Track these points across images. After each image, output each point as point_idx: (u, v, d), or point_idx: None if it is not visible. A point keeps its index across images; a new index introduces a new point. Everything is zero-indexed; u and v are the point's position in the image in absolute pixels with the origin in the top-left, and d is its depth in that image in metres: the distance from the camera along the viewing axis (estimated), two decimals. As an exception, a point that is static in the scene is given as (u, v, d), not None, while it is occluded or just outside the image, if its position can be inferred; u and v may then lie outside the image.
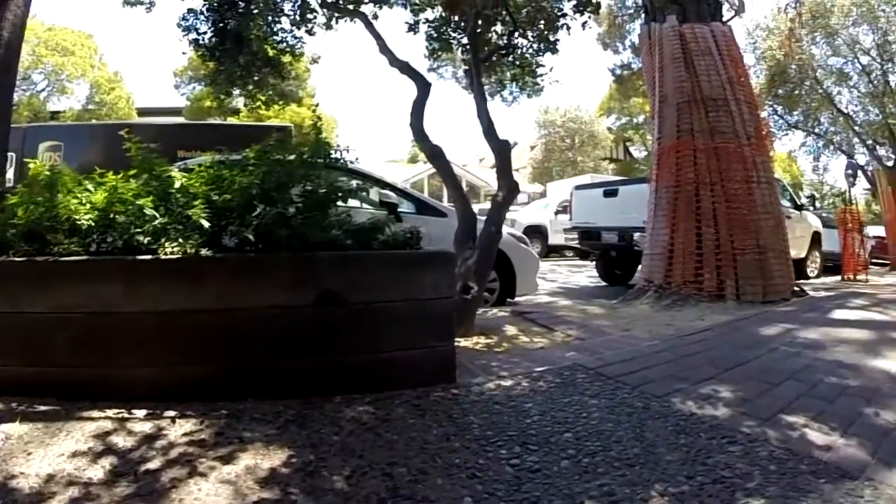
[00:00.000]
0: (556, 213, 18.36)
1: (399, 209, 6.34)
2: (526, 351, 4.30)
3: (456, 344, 4.30)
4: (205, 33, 8.63)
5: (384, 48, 6.33)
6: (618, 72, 27.97)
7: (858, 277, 14.11)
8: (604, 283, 11.51)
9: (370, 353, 3.06)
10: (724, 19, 8.41)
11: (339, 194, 3.36)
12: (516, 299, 7.15)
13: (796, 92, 24.28)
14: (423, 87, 5.86)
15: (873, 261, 21.45)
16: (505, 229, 7.43)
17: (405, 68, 6.04)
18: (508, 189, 5.26)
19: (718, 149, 7.29)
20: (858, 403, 3.09)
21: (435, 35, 9.19)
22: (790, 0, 21.46)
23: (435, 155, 5.57)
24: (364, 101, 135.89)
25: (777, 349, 4.40)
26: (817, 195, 34.35)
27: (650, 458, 2.35)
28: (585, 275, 12.66)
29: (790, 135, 28.26)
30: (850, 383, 3.48)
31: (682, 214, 7.14)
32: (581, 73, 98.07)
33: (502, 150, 5.51)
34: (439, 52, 9.79)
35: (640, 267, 8.14)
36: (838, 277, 14.32)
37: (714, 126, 7.38)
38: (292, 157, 3.36)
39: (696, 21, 7.83)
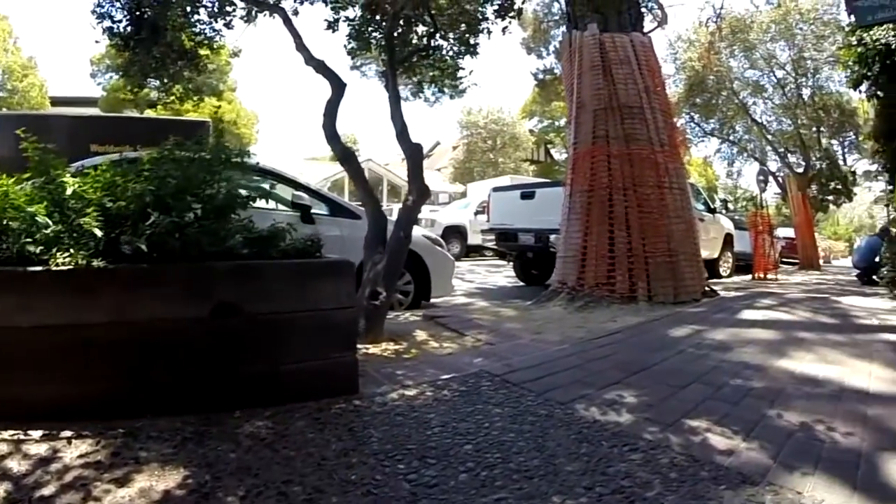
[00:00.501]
0: (476, 213, 18.60)
1: (312, 211, 6.23)
2: (434, 357, 4.24)
3: (365, 351, 4.25)
4: (120, 21, 8.22)
5: (300, 46, 6.17)
6: (540, 76, 28.29)
7: (769, 276, 14.75)
8: (521, 284, 11.70)
9: (270, 366, 2.96)
10: (647, 30, 8.57)
11: (240, 200, 3.22)
12: (432, 301, 7.12)
13: (713, 101, 25.17)
14: (338, 88, 5.73)
15: (784, 260, 22.57)
16: (420, 231, 7.42)
17: (320, 67, 5.90)
18: (419, 193, 5.19)
19: (632, 155, 7.44)
20: (762, 405, 3.17)
21: (355, 34, 9.06)
22: (711, 15, 22.39)
23: (346, 158, 5.47)
24: (288, 96, 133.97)
25: (684, 351, 4.50)
26: (731, 198, 35.56)
27: (550, 469, 2.32)
28: (504, 275, 12.81)
29: (706, 141, 29.35)
30: (754, 385, 3.57)
31: (596, 218, 7.26)
32: (505, 75, 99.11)
33: (414, 154, 5.43)
34: (359, 52, 9.65)
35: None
36: (749, 276, 14.92)
37: (629, 133, 7.53)
38: (194, 158, 3.21)
39: (617, 31, 7.98)
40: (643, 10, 14.65)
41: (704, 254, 14.04)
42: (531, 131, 41.59)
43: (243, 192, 3.31)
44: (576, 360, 4.09)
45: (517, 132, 40.36)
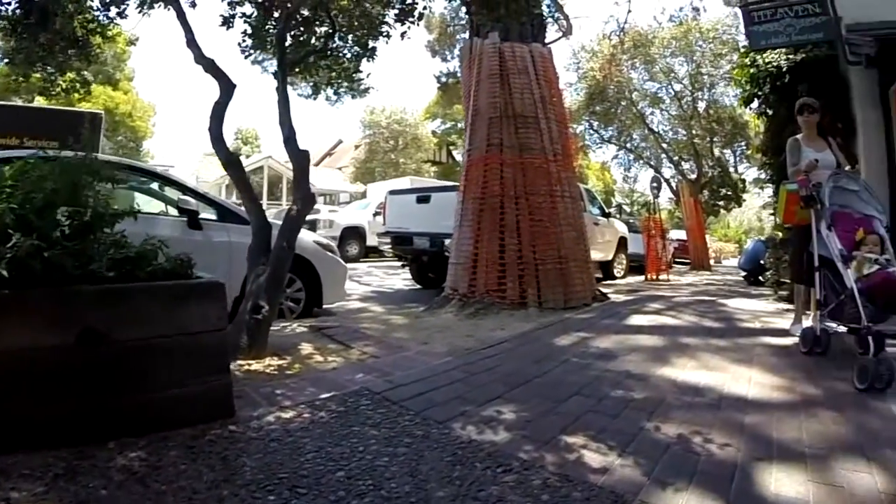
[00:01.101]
0: (375, 214, 18.48)
1: (200, 217, 6.03)
2: (317, 373, 4.14)
3: (247, 367, 4.11)
4: (9, 3, 7.76)
5: (192, 42, 5.91)
6: (444, 79, 28.48)
7: (661, 277, 15.33)
8: (418, 287, 11.74)
9: (141, 393, 2.80)
10: (552, 40, 8.72)
11: (108, 218, 3.05)
12: (325, 307, 7.04)
13: (613, 110, 26.07)
14: (227, 89, 5.51)
15: (677, 260, 23.54)
16: (311, 236, 7.31)
17: (209, 67, 5.67)
18: (304, 201, 5.06)
19: (525, 164, 7.56)
20: (641, 417, 3.20)
21: (252, 31, 8.82)
22: (615, 28, 23.11)
23: (231, 163, 5.28)
24: (190, 88, 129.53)
25: (569, 361, 4.51)
26: (628, 201, 36.67)
27: (421, 495, 2.26)
28: (401, 277, 12.77)
29: (604, 148, 30.29)
30: (635, 395, 3.62)
31: (487, 225, 7.34)
32: (410, 76, 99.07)
33: (301, 161, 5.30)
34: (254, 50, 9.40)
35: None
36: (643, 277, 15.47)
37: (523, 142, 7.65)
38: (66, 166, 3.01)
39: (518, 41, 8.07)
40: (549, 20, 15.01)
41: (599, 256, 14.53)
42: (434, 132, 41.68)
43: (117, 205, 3.15)
44: (459, 373, 4.06)
45: (420, 133, 40.37)
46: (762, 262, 12.49)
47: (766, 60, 9.37)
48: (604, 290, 10.15)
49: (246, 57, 8.86)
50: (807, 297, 5.78)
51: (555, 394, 3.60)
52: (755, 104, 10.41)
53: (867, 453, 2.75)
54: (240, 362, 4.17)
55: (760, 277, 12.86)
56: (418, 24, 9.78)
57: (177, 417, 2.86)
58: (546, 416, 3.19)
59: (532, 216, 7.41)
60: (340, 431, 2.90)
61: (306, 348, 4.92)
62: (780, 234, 9.48)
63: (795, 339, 5.34)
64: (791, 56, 9.05)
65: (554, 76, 8.55)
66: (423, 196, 11.46)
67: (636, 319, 6.76)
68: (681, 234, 25.76)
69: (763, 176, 10.96)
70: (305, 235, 6.93)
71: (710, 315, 7.34)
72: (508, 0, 8.08)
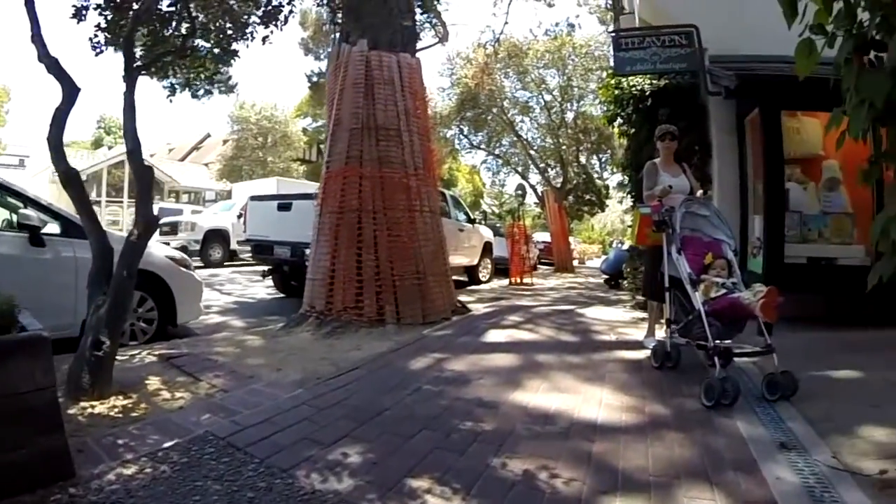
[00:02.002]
0: (239, 216, 17.87)
1: (42, 231, 5.59)
2: (163, 414, 3.89)
3: (90, 411, 3.84)
4: None
5: (37, 36, 5.34)
6: (315, 79, 27.94)
7: (525, 281, 15.73)
8: (281, 295, 11.49)
9: None
10: (428, 45, 8.67)
11: None
12: (182, 324, 6.76)
13: (483, 116, 26.49)
14: (71, 93, 5.06)
15: (542, 261, 24.31)
16: (163, 250, 6.97)
17: (53, 67, 5.19)
18: (145, 225, 4.74)
19: (384, 178, 7.49)
20: (489, 452, 3.19)
21: (105, 25, 8.24)
22: (490, 38, 23.51)
23: (69, 180, 4.86)
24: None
25: (421, 389, 4.46)
26: (497, 203, 37.46)
27: None
28: (264, 285, 12.38)
29: (473, 153, 30.89)
30: (485, 427, 3.61)
31: (344, 241, 7.23)
32: (282, 72, 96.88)
33: (144, 178, 4.98)
34: (107, 46, 8.81)
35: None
36: (507, 281, 15.81)
37: (383, 155, 7.56)
38: None
39: (388, 49, 7.95)
40: (426, 25, 15.06)
41: (465, 261, 14.77)
42: (304, 130, 40.65)
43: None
44: (308, 409, 3.94)
45: (289, 131, 39.24)
46: (624, 267, 13.12)
47: (631, 83, 9.90)
48: (467, 298, 10.32)
49: (98, 54, 8.23)
50: (659, 311, 6.06)
51: (404, 429, 3.57)
52: (617, 122, 10.86)
53: (711, 477, 2.90)
54: (83, 404, 3.91)
55: (621, 281, 13.76)
56: (281, 29, 9.58)
57: (12, 485, 2.63)
58: (393, 456, 3.16)
59: (390, 231, 7.37)
60: (183, 488, 2.75)
61: (153, 383, 4.64)
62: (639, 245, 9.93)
63: (648, 352, 5.59)
64: (655, 81, 9.59)
65: (420, 88, 8.48)
66: (285, 203, 11.18)
67: (493, 335, 6.80)
68: (546, 237, 26.67)
69: (625, 183, 11.48)
70: (157, 250, 6.60)
71: (568, 328, 7.52)
72: (376, 11, 8.03)
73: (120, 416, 3.86)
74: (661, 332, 5.89)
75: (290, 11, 9.42)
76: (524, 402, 4.16)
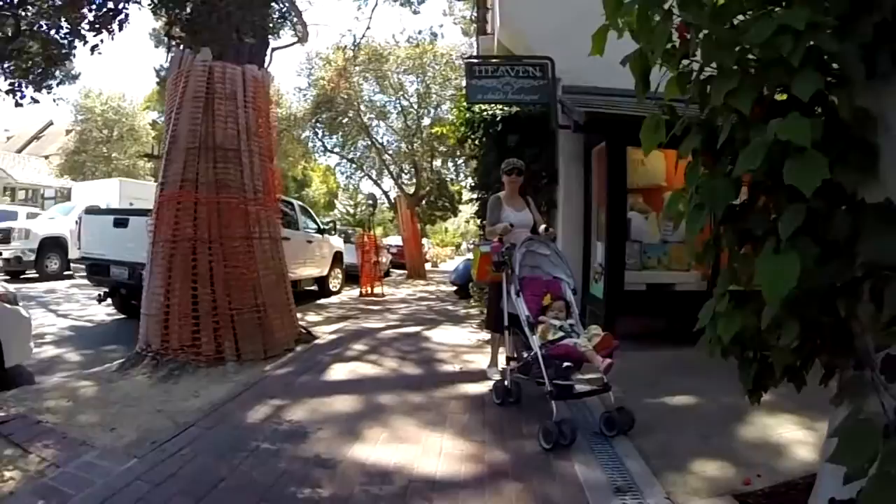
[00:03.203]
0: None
1: None
2: None
3: None
4: None
5: None
6: (163, 73, 26.53)
7: (376, 291, 15.64)
8: (122, 316, 10.60)
9: None
10: (286, 44, 8.21)
11: None
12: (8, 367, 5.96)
13: (339, 119, 25.99)
14: None
15: (395, 263, 24.46)
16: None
17: None
18: None
19: (221, 204, 6.98)
20: None
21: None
22: (351, 42, 23.24)
23: None
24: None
25: (258, 448, 4.21)
26: (351, 205, 37.19)
27: None
28: (105, 303, 11.43)
29: (327, 157, 30.50)
30: (322, 493, 3.48)
31: (179, 273, 6.69)
32: (133, 59, 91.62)
33: None
34: None
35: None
36: (358, 292, 15.63)
37: (221, 178, 7.04)
38: None
39: (234, 60, 7.41)
40: (288, 23, 14.58)
41: (315, 272, 14.53)
42: (153, 123, 37.82)
43: None
44: (142, 485, 3.58)
45: (137, 124, 36.47)
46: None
47: (483, 108, 10.06)
48: (314, 318, 10.09)
49: None
50: (502, 341, 6.09)
51: (240, 501, 3.39)
52: (467, 144, 11.02)
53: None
54: None
55: (469, 291, 14.32)
56: (112, 39, 8.94)
57: None
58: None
59: (227, 262, 6.89)
60: None
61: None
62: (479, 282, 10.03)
63: (491, 384, 5.69)
64: (506, 108, 9.75)
65: (264, 103, 7.95)
66: (121, 219, 10.34)
67: (335, 371, 6.59)
68: (399, 240, 26.80)
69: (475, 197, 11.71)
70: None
71: (412, 356, 7.45)
72: (217, 25, 7.55)
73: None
74: (503, 362, 5.96)
75: (125, 17, 8.79)
76: (363, 458, 4.05)
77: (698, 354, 2.64)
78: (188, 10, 8.09)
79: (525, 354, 5.12)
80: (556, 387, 4.44)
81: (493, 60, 10.12)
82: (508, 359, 5.40)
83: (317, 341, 8.19)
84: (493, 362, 6.43)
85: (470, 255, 17.75)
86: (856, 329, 2.14)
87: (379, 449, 4.24)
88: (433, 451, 4.20)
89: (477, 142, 10.67)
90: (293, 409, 5.16)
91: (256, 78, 7.67)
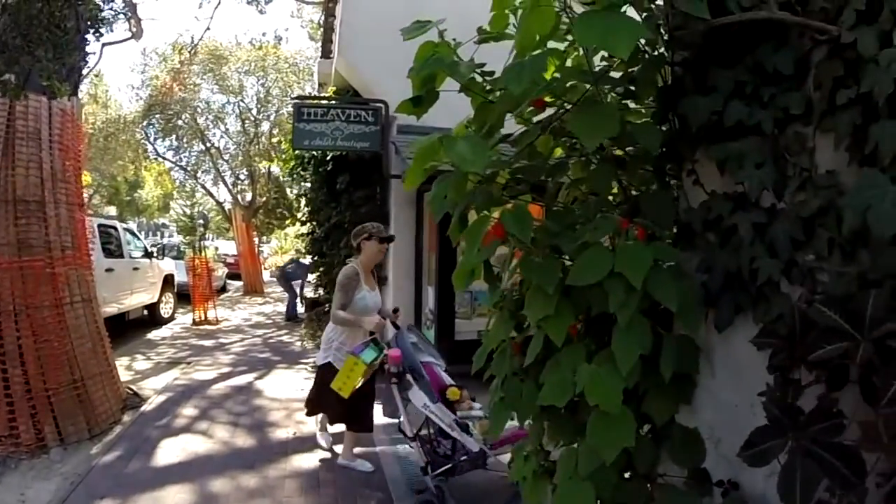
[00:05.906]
0: None
1: None
2: None
3: None
4: None
5: None
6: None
7: (209, 317, 14.92)
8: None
9: None
10: (119, 39, 7.33)
11: None
12: None
13: (172, 122, 24.58)
14: None
15: (231, 275, 23.70)
16: None
17: None
18: None
19: (25, 268, 6.06)
20: None
21: None
22: (189, 43, 22.69)
23: None
24: None
25: None
26: (188, 206, 35.56)
27: None
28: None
29: (159, 161, 28.88)
30: None
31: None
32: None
33: None
34: None
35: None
36: (191, 320, 14.87)
37: (23, 238, 6.07)
38: None
39: (40, 90, 6.36)
40: (121, 17, 13.51)
41: (145, 298, 13.80)
42: None
43: None
44: None
45: None
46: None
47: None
48: (142, 365, 9.52)
49: None
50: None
51: None
52: (297, 178, 10.88)
53: None
54: None
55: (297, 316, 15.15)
56: None
57: None
58: None
59: (37, 336, 6.05)
60: None
61: None
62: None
63: (323, 455, 5.78)
64: None
65: (73, 139, 6.86)
66: None
67: (165, 451, 6.00)
68: (234, 249, 25.97)
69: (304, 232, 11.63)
70: None
71: (245, 421, 7.07)
72: (31, 52, 6.55)
73: None
74: (331, 428, 6.13)
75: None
76: None
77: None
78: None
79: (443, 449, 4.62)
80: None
81: (324, 102, 9.75)
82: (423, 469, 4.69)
83: (145, 407, 7.47)
84: (323, 428, 6.26)
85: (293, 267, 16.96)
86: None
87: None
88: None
89: (306, 179, 10.47)
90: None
91: (65, 111, 6.67)
